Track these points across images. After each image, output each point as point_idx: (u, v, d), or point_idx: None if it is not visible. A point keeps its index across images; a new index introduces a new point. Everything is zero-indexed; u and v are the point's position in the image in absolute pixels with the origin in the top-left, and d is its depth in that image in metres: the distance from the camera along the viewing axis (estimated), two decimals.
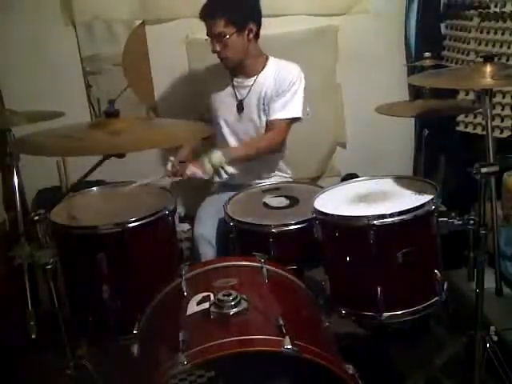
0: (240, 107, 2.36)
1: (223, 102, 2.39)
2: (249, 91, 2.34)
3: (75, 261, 1.82)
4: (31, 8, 2.61)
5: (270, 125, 2.33)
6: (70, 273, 1.81)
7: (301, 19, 2.81)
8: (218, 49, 2.21)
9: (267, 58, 2.35)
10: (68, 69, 2.71)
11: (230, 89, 2.37)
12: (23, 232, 1.97)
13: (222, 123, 2.40)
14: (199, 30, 2.45)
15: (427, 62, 2.35)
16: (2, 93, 2.68)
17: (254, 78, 2.34)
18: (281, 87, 2.29)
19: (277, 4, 2.70)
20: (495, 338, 1.75)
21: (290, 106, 2.30)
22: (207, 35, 2.23)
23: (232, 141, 2.41)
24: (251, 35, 2.24)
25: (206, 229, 2.13)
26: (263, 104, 2.32)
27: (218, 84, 2.39)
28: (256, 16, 2.26)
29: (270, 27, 2.43)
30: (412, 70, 2.71)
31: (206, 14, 2.19)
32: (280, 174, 2.48)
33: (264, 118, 2.35)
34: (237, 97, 2.36)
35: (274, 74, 2.33)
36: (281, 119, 2.30)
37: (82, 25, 2.69)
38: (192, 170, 2.12)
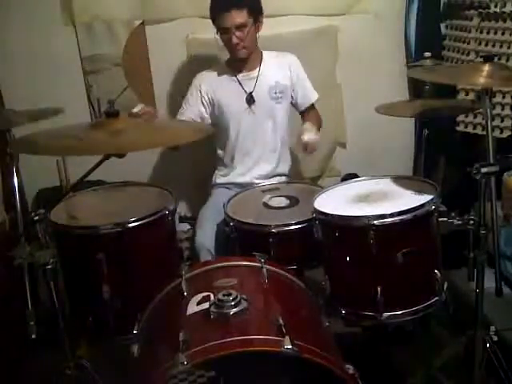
0: (250, 100, 2.38)
1: (230, 98, 2.39)
2: (256, 82, 2.38)
3: (75, 261, 1.82)
4: (31, 8, 2.61)
5: (310, 107, 2.51)
6: (70, 273, 1.81)
7: (301, 19, 2.81)
8: (237, 40, 2.25)
9: (261, 52, 2.43)
10: (68, 69, 2.72)
11: (235, 84, 2.39)
12: (23, 232, 1.97)
13: (228, 120, 2.40)
14: (199, 30, 2.45)
15: (427, 62, 2.35)
16: (2, 93, 2.68)
17: (257, 70, 2.39)
18: (298, 73, 2.44)
19: (277, 4, 2.70)
20: (495, 338, 1.75)
21: (312, 88, 2.50)
22: (222, 29, 2.25)
23: (240, 136, 2.42)
24: (260, 28, 2.33)
25: (206, 237, 2.13)
26: (275, 92, 2.39)
27: (222, 82, 2.40)
28: (262, 8, 2.33)
29: (270, 27, 2.44)
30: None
31: (231, 4, 2.21)
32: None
33: (278, 106, 2.41)
34: (245, 90, 2.38)
35: (279, 63, 2.42)
36: (316, 100, 2.51)
37: (82, 25, 2.69)
38: (311, 137, 2.20)
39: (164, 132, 1.63)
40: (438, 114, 2.27)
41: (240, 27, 2.22)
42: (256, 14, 2.27)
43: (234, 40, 2.24)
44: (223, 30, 2.25)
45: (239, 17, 2.21)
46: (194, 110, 2.38)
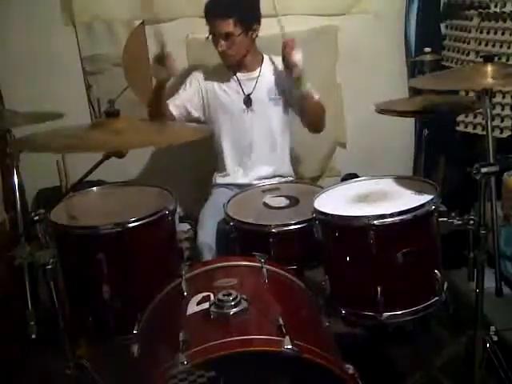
0: (248, 101, 2.38)
1: (228, 97, 2.39)
2: (256, 83, 2.38)
3: (75, 261, 1.82)
4: (31, 8, 2.61)
5: None
6: (70, 273, 1.81)
7: (301, 19, 2.81)
8: (223, 48, 2.24)
9: (262, 55, 2.43)
10: (68, 69, 2.71)
11: (234, 84, 2.39)
12: (23, 232, 1.97)
13: (226, 120, 2.40)
14: (199, 30, 2.45)
15: (427, 57, 2.35)
16: (2, 93, 2.68)
17: (258, 70, 2.39)
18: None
19: (277, 4, 2.70)
20: (495, 338, 1.74)
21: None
22: (211, 33, 2.25)
23: (238, 137, 2.42)
24: (254, 35, 2.31)
25: (208, 235, 2.13)
26: (274, 94, 2.39)
27: (222, 80, 2.40)
28: (259, 17, 2.32)
29: (270, 27, 2.44)
30: (413, 67, 2.71)
31: (217, 14, 2.21)
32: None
33: (277, 107, 2.40)
34: (243, 91, 2.37)
35: (277, 65, 2.40)
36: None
37: (82, 25, 2.68)
38: (298, 57, 2.15)
39: (164, 132, 1.63)
40: (438, 109, 2.26)
41: (226, 36, 2.22)
42: (247, 23, 2.24)
43: (220, 48, 2.24)
44: (212, 35, 2.26)
45: (225, 26, 2.20)
46: (187, 96, 2.37)
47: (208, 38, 2.27)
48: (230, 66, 2.36)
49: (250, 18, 2.28)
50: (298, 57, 2.15)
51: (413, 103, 2.24)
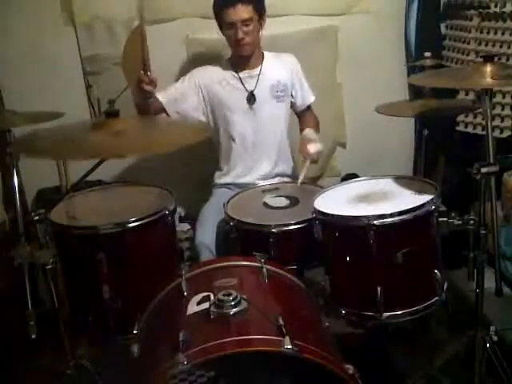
0: (251, 99, 2.37)
1: (230, 96, 2.38)
2: (257, 81, 2.37)
3: (75, 261, 1.82)
4: (31, 8, 2.61)
5: (306, 108, 2.53)
6: (70, 273, 1.81)
7: (301, 19, 2.81)
8: (242, 35, 2.24)
9: (262, 52, 2.43)
10: (68, 69, 2.72)
11: (236, 82, 2.38)
12: (23, 232, 1.97)
13: (228, 119, 2.39)
14: (199, 30, 2.46)
15: (427, 62, 2.35)
16: (2, 93, 2.68)
17: (259, 68, 2.39)
18: (297, 74, 2.46)
19: (277, 4, 2.70)
20: (495, 338, 1.75)
21: (310, 90, 2.52)
22: (227, 24, 2.24)
23: (240, 136, 2.41)
24: (263, 26, 2.33)
25: (207, 236, 2.13)
26: (277, 91, 2.39)
27: (223, 79, 2.39)
28: (265, 10, 2.34)
29: (270, 27, 2.44)
30: (412, 70, 2.71)
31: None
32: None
33: (280, 104, 2.41)
34: (246, 88, 2.37)
35: (279, 63, 2.43)
36: (312, 101, 2.53)
37: (82, 25, 2.69)
38: (316, 147, 2.23)
39: (164, 134, 1.62)
40: (438, 114, 2.26)
41: (246, 22, 2.22)
42: (260, 11, 2.28)
43: (240, 34, 2.23)
44: (229, 26, 2.24)
45: (245, 11, 2.20)
46: (182, 90, 2.36)
47: (219, 31, 2.28)
48: (240, 59, 2.36)
49: (263, 6, 2.31)
50: (313, 149, 2.22)
51: (413, 107, 2.24)
